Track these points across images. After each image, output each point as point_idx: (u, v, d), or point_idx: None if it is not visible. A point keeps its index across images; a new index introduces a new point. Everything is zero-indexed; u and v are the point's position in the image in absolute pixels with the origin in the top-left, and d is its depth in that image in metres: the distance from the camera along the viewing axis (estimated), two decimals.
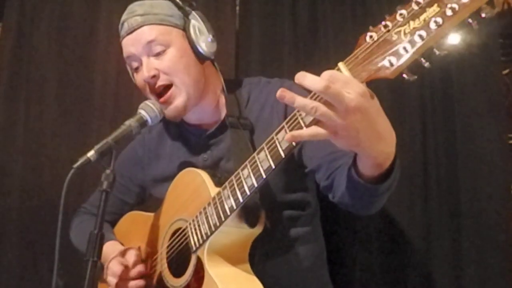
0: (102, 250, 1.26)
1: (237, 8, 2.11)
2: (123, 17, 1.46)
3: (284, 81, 1.49)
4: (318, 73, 0.88)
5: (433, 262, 1.79)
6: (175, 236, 1.43)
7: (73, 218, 1.76)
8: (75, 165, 1.22)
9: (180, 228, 1.41)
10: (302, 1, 2.04)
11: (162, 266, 1.46)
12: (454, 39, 0.84)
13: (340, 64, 0.93)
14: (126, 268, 1.43)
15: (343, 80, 0.88)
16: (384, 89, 1.88)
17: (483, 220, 1.76)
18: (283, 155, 1.06)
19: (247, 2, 2.11)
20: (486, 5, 0.80)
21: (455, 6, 0.81)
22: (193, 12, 1.45)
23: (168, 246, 1.46)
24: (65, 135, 2.16)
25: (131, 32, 1.42)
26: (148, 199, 1.72)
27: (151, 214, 1.58)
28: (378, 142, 0.94)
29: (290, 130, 1.01)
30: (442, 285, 1.78)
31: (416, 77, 0.88)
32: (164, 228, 1.48)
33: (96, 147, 1.25)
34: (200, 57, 1.44)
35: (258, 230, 1.32)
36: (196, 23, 1.44)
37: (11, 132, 2.19)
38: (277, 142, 1.06)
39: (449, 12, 0.82)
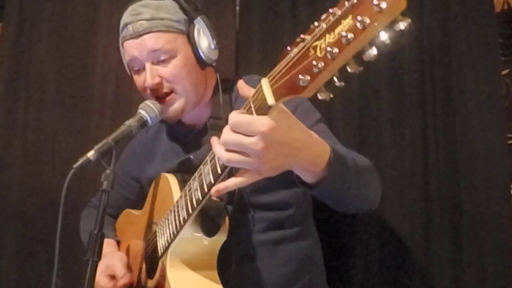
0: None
1: (237, 8, 2.11)
2: (127, 18, 1.41)
3: None
4: None
5: (433, 262, 1.79)
6: (151, 239, 1.45)
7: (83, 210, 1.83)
8: (75, 165, 1.22)
9: (155, 231, 1.42)
10: (302, 1, 2.03)
11: (142, 266, 1.49)
12: (370, 55, 0.72)
13: (263, 81, 0.88)
14: (113, 280, 1.44)
15: (246, 123, 0.88)
16: (385, 88, 1.89)
17: (483, 220, 1.75)
18: (219, 171, 1.03)
19: (247, 2, 2.11)
20: (401, 16, 0.68)
21: (366, 19, 0.68)
22: (199, 17, 1.42)
23: (146, 248, 1.48)
24: (65, 135, 2.16)
25: (136, 37, 1.39)
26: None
27: (138, 214, 1.61)
28: (298, 154, 0.94)
29: None
30: (442, 285, 1.77)
31: (332, 95, 0.78)
32: (145, 229, 1.51)
33: (96, 147, 1.25)
34: (202, 63, 1.44)
35: (220, 238, 1.28)
36: (200, 28, 1.42)
37: (11, 132, 2.19)
38: (216, 158, 1.04)
39: (359, 26, 0.69)
